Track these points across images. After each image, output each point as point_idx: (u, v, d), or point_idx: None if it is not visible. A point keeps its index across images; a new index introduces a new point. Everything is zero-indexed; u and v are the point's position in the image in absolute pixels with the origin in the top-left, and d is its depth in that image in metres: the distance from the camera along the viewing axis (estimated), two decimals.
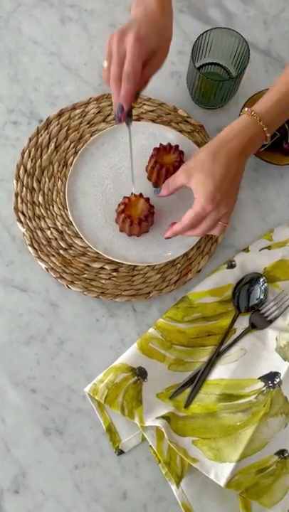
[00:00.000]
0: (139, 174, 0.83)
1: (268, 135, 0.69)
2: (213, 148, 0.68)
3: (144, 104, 0.87)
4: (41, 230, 0.83)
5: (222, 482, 0.71)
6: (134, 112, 0.86)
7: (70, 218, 0.81)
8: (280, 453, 0.75)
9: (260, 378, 0.77)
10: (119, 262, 0.81)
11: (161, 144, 0.80)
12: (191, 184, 0.69)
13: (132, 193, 0.79)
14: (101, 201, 0.82)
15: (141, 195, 0.78)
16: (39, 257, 0.81)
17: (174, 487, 0.74)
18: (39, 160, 0.85)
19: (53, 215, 0.83)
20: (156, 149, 0.80)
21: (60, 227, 0.83)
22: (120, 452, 0.77)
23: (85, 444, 0.77)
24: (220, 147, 0.68)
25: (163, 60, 0.71)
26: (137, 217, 0.77)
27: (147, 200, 0.78)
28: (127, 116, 0.70)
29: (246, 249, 0.83)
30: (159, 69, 0.71)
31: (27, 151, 0.85)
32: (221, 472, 0.72)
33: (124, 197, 0.78)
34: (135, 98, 0.69)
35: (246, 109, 0.69)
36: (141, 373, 0.77)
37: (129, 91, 0.66)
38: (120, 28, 0.67)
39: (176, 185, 0.72)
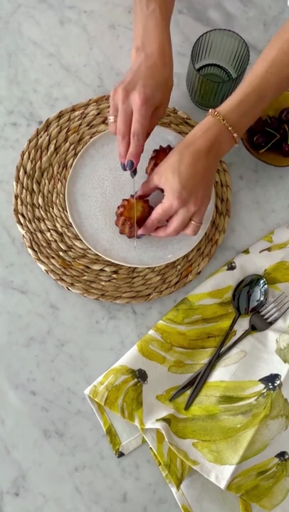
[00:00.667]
0: (139, 176, 0.83)
1: (235, 135, 0.70)
2: (180, 149, 0.70)
3: None
4: (41, 232, 0.82)
5: (222, 484, 0.71)
6: None
7: (70, 220, 0.81)
8: (281, 455, 0.75)
9: (260, 380, 0.77)
10: (119, 264, 0.81)
11: (161, 146, 0.80)
12: (161, 184, 0.71)
13: (130, 195, 0.78)
14: (101, 203, 0.82)
15: (140, 197, 0.78)
16: (39, 259, 0.81)
17: (174, 489, 0.74)
18: (39, 162, 0.84)
19: (52, 217, 0.83)
20: (156, 151, 0.80)
21: (59, 229, 0.83)
22: (120, 454, 0.77)
23: (85, 447, 0.77)
24: (186, 147, 0.70)
25: (166, 108, 0.75)
26: (138, 220, 0.77)
27: (146, 201, 0.78)
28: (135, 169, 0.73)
29: (246, 251, 0.83)
30: (162, 118, 0.75)
31: (26, 152, 0.85)
32: (221, 474, 0.71)
33: (123, 199, 0.78)
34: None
35: (210, 110, 0.71)
36: (141, 375, 0.77)
37: (138, 148, 0.70)
38: (124, 83, 0.69)
39: (149, 186, 0.74)
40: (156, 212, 0.72)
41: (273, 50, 0.70)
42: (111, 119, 0.72)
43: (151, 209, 0.78)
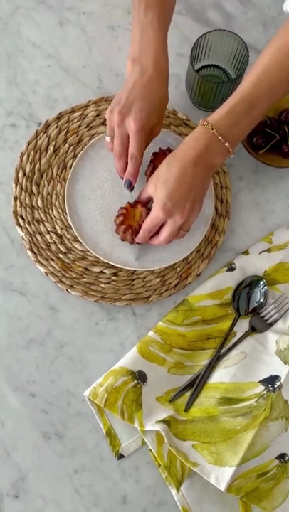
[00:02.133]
0: (139, 178, 0.82)
1: (227, 144, 0.68)
2: (169, 159, 0.70)
3: None
4: (40, 233, 0.82)
5: (222, 486, 0.71)
6: None
7: (70, 222, 0.81)
8: (281, 457, 0.75)
9: (260, 382, 0.77)
10: (118, 266, 0.81)
11: (160, 149, 0.80)
12: (152, 193, 0.72)
13: (128, 202, 0.78)
14: (100, 205, 0.82)
15: (136, 202, 0.77)
16: (38, 261, 0.81)
17: (174, 491, 0.74)
18: (38, 163, 0.84)
19: (52, 218, 0.83)
20: (156, 154, 0.80)
21: (59, 231, 0.83)
22: (120, 456, 0.77)
23: (85, 449, 0.77)
24: (175, 157, 0.69)
25: (160, 127, 0.75)
26: (138, 225, 0.76)
27: (145, 206, 0.77)
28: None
29: (246, 252, 0.83)
30: (157, 135, 0.76)
31: (26, 154, 0.84)
32: (221, 476, 0.71)
33: (121, 208, 0.78)
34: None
35: (201, 119, 0.69)
36: (140, 377, 0.77)
37: (136, 169, 0.72)
38: (120, 106, 0.70)
39: (144, 195, 0.74)
40: (145, 223, 0.73)
41: (265, 57, 0.69)
42: (108, 138, 0.74)
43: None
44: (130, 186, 0.74)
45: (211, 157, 0.69)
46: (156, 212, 0.70)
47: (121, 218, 0.77)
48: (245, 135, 0.71)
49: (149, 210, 0.77)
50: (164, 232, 0.72)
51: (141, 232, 0.74)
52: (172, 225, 0.71)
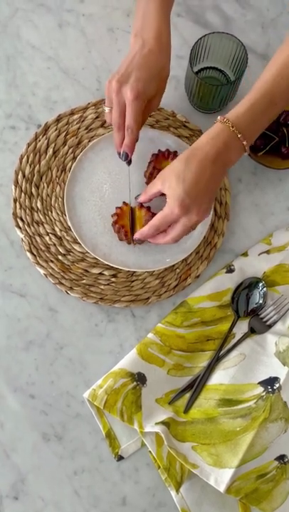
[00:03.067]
0: (138, 180, 0.83)
1: (245, 142, 0.68)
2: (186, 155, 0.68)
3: None
4: (40, 235, 0.83)
5: (222, 488, 0.71)
6: None
7: (69, 224, 0.81)
8: (280, 458, 0.75)
9: (259, 383, 0.77)
10: (118, 268, 0.81)
11: (159, 150, 0.80)
12: (164, 189, 0.70)
13: (123, 202, 0.78)
14: (100, 207, 0.82)
15: (141, 204, 0.77)
16: (38, 263, 0.81)
17: (173, 493, 0.74)
18: (37, 165, 0.84)
19: (51, 220, 0.83)
20: (155, 155, 0.80)
21: (58, 233, 0.83)
22: (120, 458, 0.77)
23: (85, 450, 0.77)
24: (193, 153, 0.68)
25: (160, 99, 0.75)
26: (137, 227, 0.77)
27: (148, 208, 0.78)
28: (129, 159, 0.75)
29: (245, 254, 0.83)
30: (157, 108, 0.75)
31: (25, 156, 0.85)
32: (220, 478, 0.71)
33: (116, 207, 0.78)
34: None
35: (219, 116, 0.69)
36: (140, 378, 0.77)
37: (132, 141, 0.72)
38: (119, 74, 0.70)
39: (153, 191, 0.73)
40: (156, 219, 0.70)
41: (283, 54, 0.69)
42: (106, 109, 0.73)
43: (152, 216, 0.78)
44: (127, 159, 0.73)
45: (229, 155, 0.69)
46: (171, 208, 0.68)
47: (115, 218, 0.78)
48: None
49: (152, 212, 0.77)
50: (176, 230, 0.70)
51: (147, 227, 0.72)
52: (186, 222, 0.69)
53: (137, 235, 0.75)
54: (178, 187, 0.67)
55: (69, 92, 0.89)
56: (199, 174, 0.67)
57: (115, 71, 0.71)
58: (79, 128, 0.86)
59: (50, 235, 0.83)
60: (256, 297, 0.81)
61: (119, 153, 0.74)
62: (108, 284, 0.81)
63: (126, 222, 0.77)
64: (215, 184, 0.69)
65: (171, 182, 0.68)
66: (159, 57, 0.71)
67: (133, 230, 0.78)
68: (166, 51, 0.72)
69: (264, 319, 0.80)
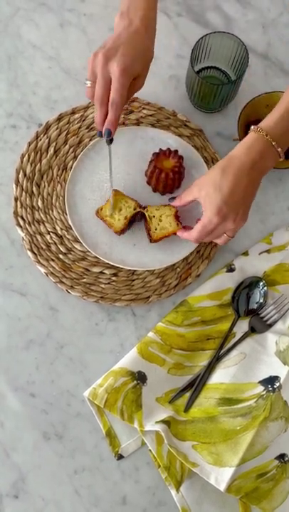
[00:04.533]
0: (139, 179, 0.83)
1: (280, 149, 0.69)
2: (223, 164, 0.69)
3: (143, 108, 0.87)
4: (41, 234, 0.83)
5: (222, 487, 0.71)
6: (134, 117, 0.86)
7: (70, 223, 0.81)
8: (280, 457, 0.75)
9: (259, 382, 0.77)
10: (118, 267, 0.81)
11: (160, 149, 0.81)
12: (200, 198, 0.71)
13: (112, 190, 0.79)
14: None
15: (176, 209, 0.79)
16: (38, 262, 0.81)
17: (173, 492, 0.74)
18: (38, 164, 0.85)
19: (52, 219, 0.83)
20: (156, 154, 0.80)
21: (59, 232, 0.83)
22: (120, 457, 0.77)
23: (85, 449, 0.77)
24: (229, 163, 0.69)
25: (144, 80, 0.74)
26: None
27: (177, 218, 0.79)
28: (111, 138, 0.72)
29: (245, 253, 0.83)
30: (140, 89, 0.74)
31: (26, 155, 0.85)
32: (220, 477, 0.71)
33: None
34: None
35: (252, 126, 0.70)
36: (140, 377, 0.77)
37: (116, 117, 0.69)
38: (104, 49, 0.68)
39: (188, 198, 0.74)
40: (197, 230, 0.72)
41: None
42: (88, 83, 0.71)
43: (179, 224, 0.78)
44: (109, 136, 0.70)
45: (265, 163, 0.70)
46: (209, 218, 0.69)
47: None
48: None
49: (179, 222, 0.78)
50: (211, 236, 0.72)
51: (188, 236, 0.74)
52: (220, 229, 0.71)
53: (183, 236, 0.76)
54: (215, 196, 0.68)
55: (70, 92, 0.89)
56: (236, 183, 0.68)
57: (100, 46, 0.70)
58: (80, 127, 0.86)
59: (50, 233, 0.83)
60: (256, 296, 0.81)
61: (100, 132, 0.71)
62: (109, 283, 0.81)
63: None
64: (252, 192, 0.70)
65: (208, 190, 0.69)
66: (144, 37, 0.70)
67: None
68: (151, 33, 0.72)
69: (264, 318, 0.80)
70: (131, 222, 0.79)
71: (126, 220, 0.78)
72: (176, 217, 0.78)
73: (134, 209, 0.78)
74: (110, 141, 0.72)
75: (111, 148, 0.74)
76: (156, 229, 0.78)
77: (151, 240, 0.78)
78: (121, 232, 0.79)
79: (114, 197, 0.79)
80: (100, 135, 0.71)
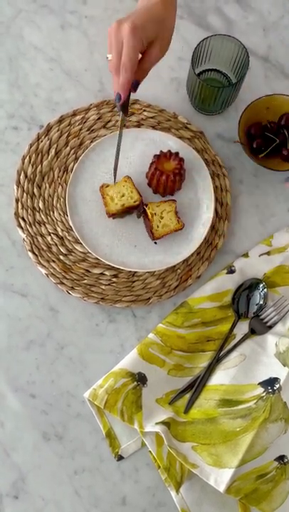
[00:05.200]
0: (140, 181, 0.83)
1: None
2: None
3: (144, 110, 0.87)
4: (41, 235, 0.83)
5: (222, 488, 0.71)
6: (135, 119, 0.87)
7: (70, 224, 0.81)
8: (280, 459, 0.75)
9: (259, 384, 0.77)
10: (119, 268, 0.81)
11: (161, 151, 0.81)
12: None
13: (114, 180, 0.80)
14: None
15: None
16: (39, 263, 0.81)
17: (173, 493, 0.74)
18: (39, 166, 0.85)
19: (53, 220, 0.84)
20: (157, 156, 0.80)
21: (60, 233, 0.83)
22: (120, 458, 0.77)
23: (85, 450, 0.77)
24: None
25: (163, 50, 0.71)
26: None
27: (174, 201, 0.80)
28: (124, 106, 0.71)
29: (246, 255, 0.83)
30: (160, 59, 0.71)
31: (27, 156, 0.85)
32: (220, 478, 0.72)
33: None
34: (135, 88, 0.70)
35: None
36: (140, 379, 0.77)
37: (127, 80, 0.67)
38: (119, 18, 0.67)
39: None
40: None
41: None
42: (109, 56, 0.71)
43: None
44: (120, 101, 0.69)
45: None
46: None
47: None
48: None
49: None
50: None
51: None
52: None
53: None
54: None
55: (71, 94, 0.89)
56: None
57: None
58: (81, 129, 0.87)
59: (51, 235, 0.83)
60: (257, 298, 0.81)
61: (118, 99, 0.69)
62: (109, 284, 0.81)
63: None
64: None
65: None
66: (161, 9, 0.69)
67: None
68: (170, 8, 0.70)
69: (264, 320, 0.80)
70: (126, 212, 0.80)
71: (122, 208, 0.79)
72: (176, 213, 0.79)
73: (135, 202, 0.79)
74: (123, 108, 0.70)
75: (125, 120, 0.71)
76: (158, 226, 0.79)
77: (153, 238, 0.79)
78: (112, 215, 0.80)
79: (122, 181, 0.80)
80: (116, 97, 0.69)
